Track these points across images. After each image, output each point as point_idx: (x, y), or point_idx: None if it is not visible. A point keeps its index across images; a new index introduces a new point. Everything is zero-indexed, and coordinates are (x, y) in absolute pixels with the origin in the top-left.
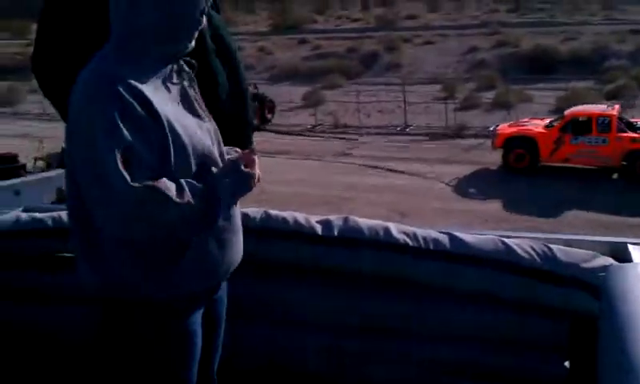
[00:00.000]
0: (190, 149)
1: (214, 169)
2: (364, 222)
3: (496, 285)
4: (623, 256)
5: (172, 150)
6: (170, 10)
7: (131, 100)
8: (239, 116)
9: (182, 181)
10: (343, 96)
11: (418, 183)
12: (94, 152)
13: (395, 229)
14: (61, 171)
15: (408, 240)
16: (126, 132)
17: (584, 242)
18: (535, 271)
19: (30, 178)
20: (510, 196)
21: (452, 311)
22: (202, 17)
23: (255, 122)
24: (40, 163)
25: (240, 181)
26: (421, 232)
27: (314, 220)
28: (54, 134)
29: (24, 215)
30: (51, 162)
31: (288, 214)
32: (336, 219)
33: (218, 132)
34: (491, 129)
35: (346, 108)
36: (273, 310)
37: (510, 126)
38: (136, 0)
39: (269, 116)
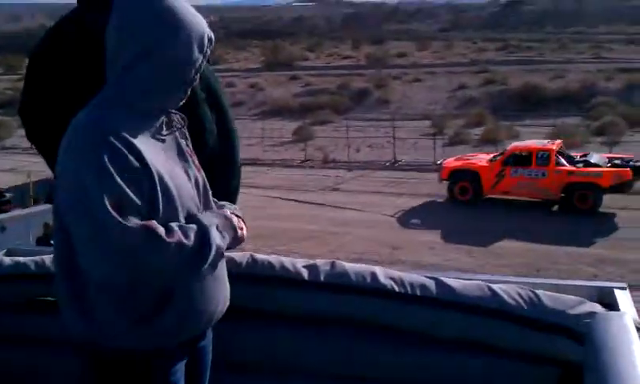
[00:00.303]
0: (177, 201)
1: (203, 214)
2: (350, 267)
3: (483, 331)
4: (609, 301)
5: (160, 200)
6: (165, 70)
7: (122, 149)
8: (227, 156)
9: (172, 224)
10: (333, 131)
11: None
12: (85, 196)
13: (382, 274)
14: (47, 207)
15: (395, 285)
16: (117, 178)
17: (570, 287)
18: (522, 318)
19: (16, 213)
20: (450, 227)
21: (439, 358)
22: (197, 75)
23: None
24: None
25: (228, 226)
26: (407, 277)
27: (300, 264)
28: (42, 169)
29: (7, 259)
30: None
31: (274, 259)
32: (322, 264)
33: (207, 184)
34: (438, 162)
35: (335, 143)
36: (258, 357)
37: (455, 159)
38: (131, 57)
39: None
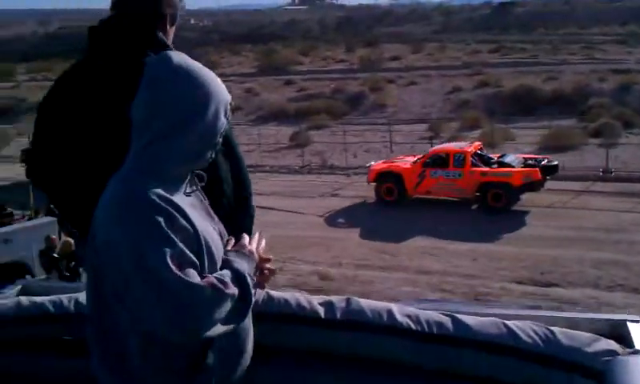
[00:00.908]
0: (216, 256)
1: (235, 259)
2: (366, 304)
3: (499, 369)
4: (621, 333)
5: (206, 257)
6: (197, 139)
7: (173, 212)
8: (242, 201)
9: (214, 276)
10: (330, 136)
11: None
12: (147, 262)
13: (398, 311)
14: (50, 219)
15: (411, 323)
16: (176, 239)
17: (582, 320)
18: (538, 356)
19: (18, 226)
20: (370, 225)
21: None
22: (221, 138)
23: None
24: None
25: (254, 269)
26: (423, 315)
27: (316, 302)
28: None
29: (24, 299)
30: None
31: (290, 296)
32: (338, 301)
33: (225, 233)
34: (367, 165)
35: (332, 148)
36: None
37: (383, 162)
38: (163, 128)
39: None
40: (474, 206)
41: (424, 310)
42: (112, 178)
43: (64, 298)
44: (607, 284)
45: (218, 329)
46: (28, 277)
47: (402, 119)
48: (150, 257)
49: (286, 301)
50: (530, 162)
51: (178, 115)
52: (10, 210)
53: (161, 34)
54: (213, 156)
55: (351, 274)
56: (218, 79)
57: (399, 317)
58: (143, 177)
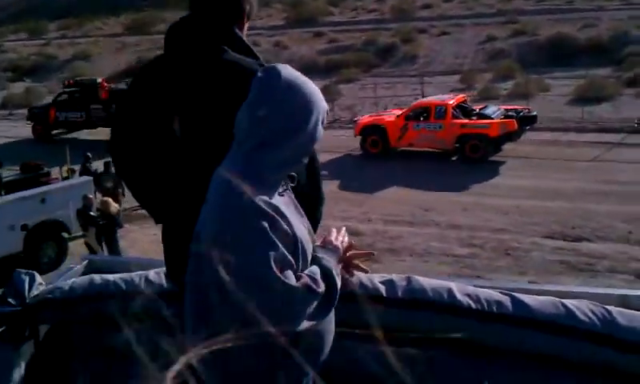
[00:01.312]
0: (308, 255)
1: (322, 255)
2: (427, 283)
3: (559, 348)
4: None
5: (300, 258)
6: (300, 147)
7: (274, 214)
8: (314, 192)
9: (306, 274)
10: (360, 90)
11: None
12: (251, 267)
13: (458, 290)
14: (87, 179)
15: (471, 302)
16: (277, 241)
17: (634, 298)
18: (595, 335)
19: (55, 185)
20: (349, 177)
21: (518, 374)
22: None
23: None
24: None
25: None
26: (483, 294)
27: (377, 280)
28: (91, 135)
29: (97, 277)
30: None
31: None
32: (399, 279)
33: (312, 229)
34: (355, 119)
35: (362, 102)
36: (342, 375)
37: (369, 116)
38: (268, 137)
39: None
40: (454, 158)
41: (482, 288)
42: (214, 180)
43: (134, 275)
44: (637, 239)
45: (307, 324)
46: (64, 234)
47: (433, 71)
48: (256, 261)
49: (347, 280)
50: (510, 113)
51: (284, 125)
52: (46, 169)
53: (238, 31)
54: (307, 161)
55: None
56: (317, 89)
57: (459, 296)
58: (248, 181)
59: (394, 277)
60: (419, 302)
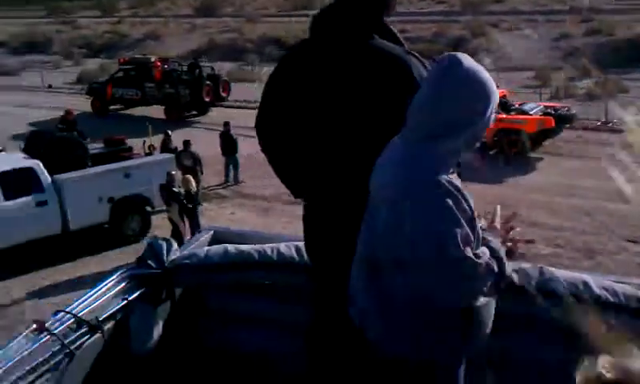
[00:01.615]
0: (478, 232)
1: (490, 237)
2: (561, 274)
3: None
4: None
5: (480, 236)
6: (477, 135)
7: (457, 193)
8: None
9: (483, 252)
10: None
11: None
12: (439, 242)
13: (595, 283)
14: (169, 156)
15: (609, 296)
16: (461, 219)
17: None
18: None
19: (140, 160)
20: None
21: None
22: None
23: (208, 99)
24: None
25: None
26: (620, 288)
27: (509, 269)
28: (144, 112)
29: (231, 247)
30: None
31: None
32: (531, 269)
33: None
34: None
35: None
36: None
37: None
38: (449, 127)
39: (224, 94)
40: (492, 152)
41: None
42: (393, 157)
43: (267, 247)
44: None
45: (482, 300)
46: (148, 208)
47: (504, 67)
48: (443, 235)
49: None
50: (549, 110)
51: (466, 114)
52: (129, 145)
53: (386, 19)
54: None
55: None
56: (491, 77)
57: (597, 289)
58: (432, 163)
59: (526, 266)
60: (552, 293)
